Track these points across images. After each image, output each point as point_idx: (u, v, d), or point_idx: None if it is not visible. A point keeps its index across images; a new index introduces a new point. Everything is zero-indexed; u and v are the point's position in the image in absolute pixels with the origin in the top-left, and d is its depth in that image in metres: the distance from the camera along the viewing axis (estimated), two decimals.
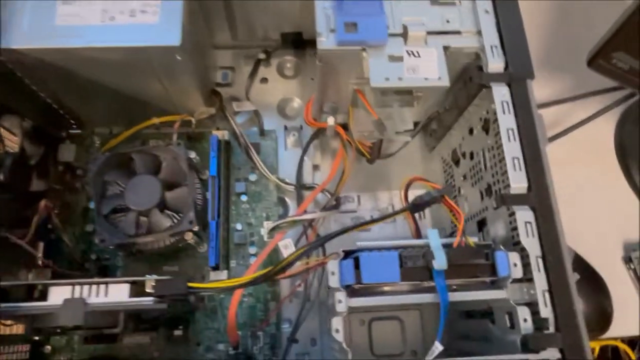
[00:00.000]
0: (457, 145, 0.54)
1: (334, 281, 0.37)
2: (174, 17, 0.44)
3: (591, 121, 0.62)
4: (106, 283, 0.39)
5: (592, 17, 0.72)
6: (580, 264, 0.58)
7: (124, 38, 0.43)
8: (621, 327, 0.57)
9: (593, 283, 0.57)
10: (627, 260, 0.60)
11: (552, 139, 0.62)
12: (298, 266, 0.43)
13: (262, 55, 0.63)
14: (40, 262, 0.45)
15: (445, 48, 0.44)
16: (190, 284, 0.40)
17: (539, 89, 0.69)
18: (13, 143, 0.48)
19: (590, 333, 0.56)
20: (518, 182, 0.40)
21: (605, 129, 0.67)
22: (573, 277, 0.37)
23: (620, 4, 0.50)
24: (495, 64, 0.43)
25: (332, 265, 0.37)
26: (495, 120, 0.43)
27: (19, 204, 0.45)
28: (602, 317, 0.57)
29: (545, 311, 0.36)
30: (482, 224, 0.49)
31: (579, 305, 0.36)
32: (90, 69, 0.46)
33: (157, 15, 0.44)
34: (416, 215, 0.49)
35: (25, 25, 0.43)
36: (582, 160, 0.66)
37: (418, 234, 0.45)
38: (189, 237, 0.48)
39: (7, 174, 0.42)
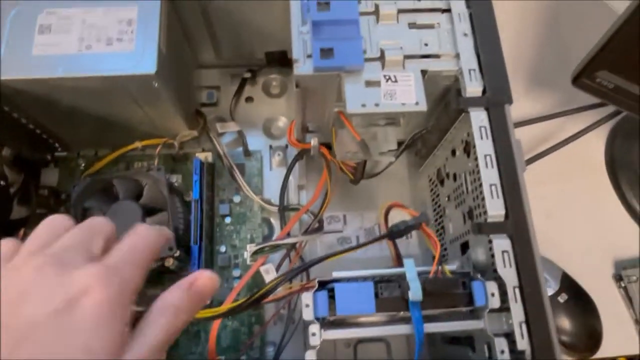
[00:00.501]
0: (442, 165, 0.54)
1: (307, 314, 0.37)
2: (150, 45, 0.44)
3: (581, 136, 0.62)
4: None
5: (584, 32, 0.71)
6: (568, 283, 0.57)
7: (100, 67, 0.43)
8: (611, 346, 0.57)
9: (582, 302, 0.56)
10: (618, 278, 0.59)
11: (542, 154, 0.62)
12: (281, 291, 0.43)
13: (247, 74, 0.63)
14: None
15: (424, 72, 0.44)
16: None
17: (530, 104, 0.69)
18: None
19: (580, 353, 0.56)
20: (495, 210, 0.39)
21: (595, 144, 0.67)
22: (550, 308, 0.36)
23: (613, 18, 0.49)
24: (473, 87, 0.43)
25: (306, 298, 0.37)
26: (475, 144, 0.42)
27: None
28: (591, 337, 0.56)
29: (522, 343, 0.36)
30: (465, 247, 0.48)
31: (556, 338, 0.35)
32: (70, 96, 0.46)
33: (133, 43, 0.44)
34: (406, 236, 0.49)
35: (1, 55, 0.43)
36: (572, 175, 0.65)
37: (399, 261, 0.44)
38: (170, 262, 0.48)
39: None
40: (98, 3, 0.45)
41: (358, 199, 0.61)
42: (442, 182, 0.55)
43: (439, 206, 0.56)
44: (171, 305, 0.28)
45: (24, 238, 0.45)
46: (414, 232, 0.60)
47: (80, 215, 0.49)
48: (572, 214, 0.63)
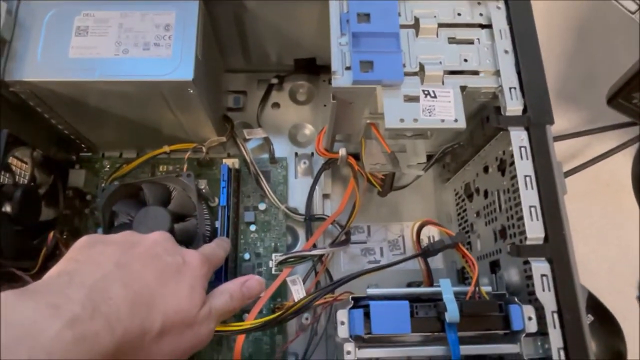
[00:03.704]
0: (471, 180, 0.54)
1: (343, 331, 0.36)
2: (188, 51, 0.43)
3: (611, 155, 0.61)
4: None
5: (612, 49, 0.71)
6: (594, 303, 0.56)
7: (137, 72, 0.43)
8: None
9: (606, 323, 0.56)
10: None
11: (568, 173, 0.61)
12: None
13: (274, 80, 0.63)
14: None
15: (462, 88, 0.43)
16: None
17: (555, 121, 0.68)
18: (23, 171, 0.47)
19: None
20: (535, 233, 0.39)
21: (622, 164, 0.66)
22: (589, 335, 0.36)
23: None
24: (513, 106, 0.42)
25: (342, 315, 0.37)
26: (512, 163, 0.42)
27: (28, 235, 0.44)
28: (615, 358, 0.55)
29: None
30: (494, 266, 0.48)
31: None
32: (103, 100, 0.46)
33: (171, 48, 0.43)
34: None
35: (39, 57, 0.42)
36: (597, 195, 0.64)
37: (429, 280, 0.44)
38: None
39: (17, 206, 0.42)
40: (135, 6, 0.45)
41: (382, 210, 0.60)
42: (470, 197, 0.54)
43: (466, 222, 0.55)
44: (228, 290, 0.38)
45: (53, 240, 0.46)
46: None
47: (109, 219, 0.48)
48: (597, 233, 0.62)
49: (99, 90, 0.44)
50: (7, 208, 0.42)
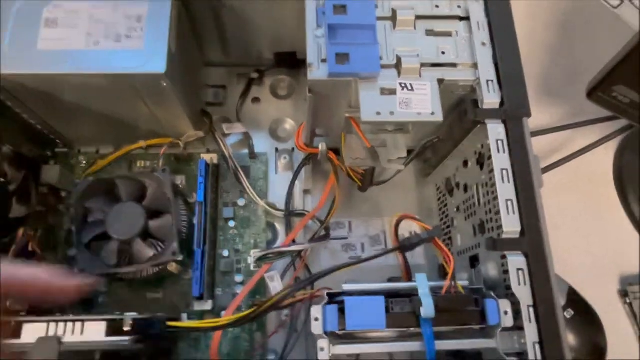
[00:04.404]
0: (452, 175, 0.53)
1: (316, 328, 0.36)
2: (160, 43, 0.42)
3: (592, 149, 0.61)
4: (82, 320, 0.38)
5: (595, 44, 0.71)
6: (574, 298, 0.56)
7: (108, 64, 0.42)
8: None
9: (588, 318, 0.56)
10: (623, 294, 0.59)
11: (550, 167, 0.61)
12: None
13: (254, 75, 0.62)
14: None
15: (440, 81, 0.43)
16: (170, 323, 0.39)
17: (538, 115, 0.68)
18: None
19: None
20: (511, 227, 0.38)
21: (603, 157, 0.66)
22: (565, 329, 0.35)
23: (624, 32, 0.49)
24: (490, 99, 0.42)
25: (316, 311, 0.36)
26: (490, 156, 0.41)
27: None
28: (595, 353, 0.55)
29: None
30: (474, 260, 0.47)
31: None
32: (75, 93, 0.45)
33: (142, 40, 0.42)
34: None
35: (6, 49, 0.41)
36: (578, 189, 0.64)
37: (408, 274, 0.43)
38: (173, 267, 0.47)
39: None
40: None
41: (363, 205, 0.60)
42: (451, 192, 0.54)
43: (447, 216, 0.55)
44: None
45: (22, 238, 0.45)
46: None
47: (82, 216, 0.47)
48: (579, 227, 0.62)
49: (71, 84, 0.43)
50: None
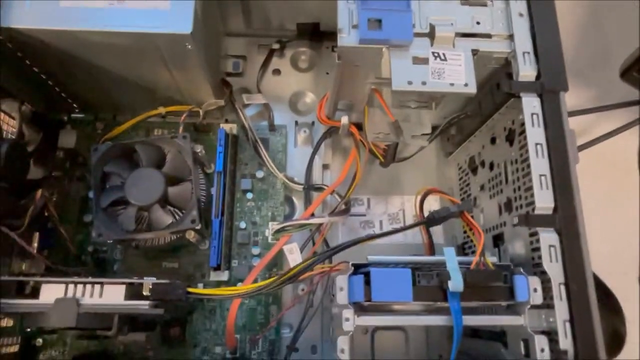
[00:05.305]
0: (476, 153, 0.52)
1: (342, 297, 0.35)
2: (186, 4, 0.41)
3: (619, 133, 0.59)
4: (101, 283, 0.37)
5: (625, 25, 0.69)
6: (595, 283, 0.55)
7: (131, 23, 0.40)
8: (634, 349, 0.55)
9: (608, 304, 0.55)
10: None
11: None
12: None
13: (276, 46, 0.60)
14: (34, 255, 0.43)
15: (474, 52, 0.41)
16: (190, 290, 0.38)
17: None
18: (11, 127, 0.45)
19: None
20: (544, 202, 0.37)
21: (627, 143, 0.64)
22: (597, 308, 0.34)
23: None
24: (526, 72, 0.40)
25: (341, 281, 0.35)
26: (522, 132, 0.40)
27: (15, 192, 0.42)
28: (614, 339, 0.55)
29: (565, 342, 0.34)
30: (497, 239, 0.46)
31: (601, 339, 0.34)
32: (95, 53, 0.44)
33: (168, 0, 0.41)
34: None
35: (28, 4, 0.40)
36: (602, 174, 0.63)
37: (431, 249, 0.42)
38: (191, 235, 0.46)
39: (3, 161, 0.40)
40: None
41: (383, 183, 0.58)
42: (474, 171, 0.53)
43: (469, 196, 0.54)
44: None
45: (41, 199, 0.44)
46: None
47: (100, 180, 0.46)
48: (601, 213, 0.61)
49: (91, 42, 0.42)
50: None
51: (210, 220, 0.49)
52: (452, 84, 0.40)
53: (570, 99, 0.65)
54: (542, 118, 0.39)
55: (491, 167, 0.48)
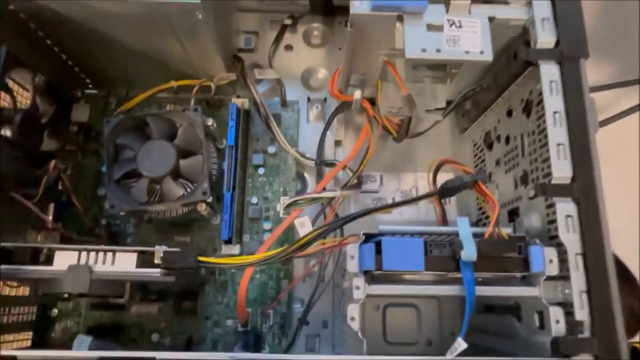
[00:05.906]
0: (492, 128, 0.51)
1: (352, 266, 0.34)
2: None
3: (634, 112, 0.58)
4: (113, 251, 0.38)
5: None
6: (615, 262, 0.54)
7: None
8: None
9: (627, 283, 0.54)
10: None
11: None
12: (314, 246, 0.41)
13: (288, 21, 0.60)
14: (49, 225, 0.44)
15: (490, 19, 0.40)
16: (201, 258, 0.38)
17: None
18: (24, 99, 0.46)
19: None
20: (561, 172, 0.36)
21: None
22: (615, 279, 0.34)
23: None
24: (545, 38, 0.39)
25: (352, 249, 0.35)
26: (540, 102, 0.39)
27: (29, 163, 0.43)
28: (632, 318, 0.53)
29: (582, 314, 0.33)
30: (513, 214, 0.45)
31: (619, 311, 0.33)
32: (108, 23, 0.44)
33: None
34: (442, 200, 0.46)
35: None
36: (619, 152, 0.61)
37: (444, 221, 0.42)
38: (202, 208, 0.46)
39: (17, 131, 0.40)
40: None
41: (396, 159, 0.58)
42: (490, 147, 0.52)
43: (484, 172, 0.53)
44: None
45: (54, 170, 0.44)
46: (453, 197, 0.57)
47: (112, 153, 0.47)
48: (618, 192, 0.59)
49: (104, 12, 0.42)
50: (7, 132, 0.40)
51: (221, 194, 0.49)
52: (467, 52, 0.39)
53: (590, 75, 0.64)
54: (560, 85, 0.38)
55: (507, 141, 0.47)
